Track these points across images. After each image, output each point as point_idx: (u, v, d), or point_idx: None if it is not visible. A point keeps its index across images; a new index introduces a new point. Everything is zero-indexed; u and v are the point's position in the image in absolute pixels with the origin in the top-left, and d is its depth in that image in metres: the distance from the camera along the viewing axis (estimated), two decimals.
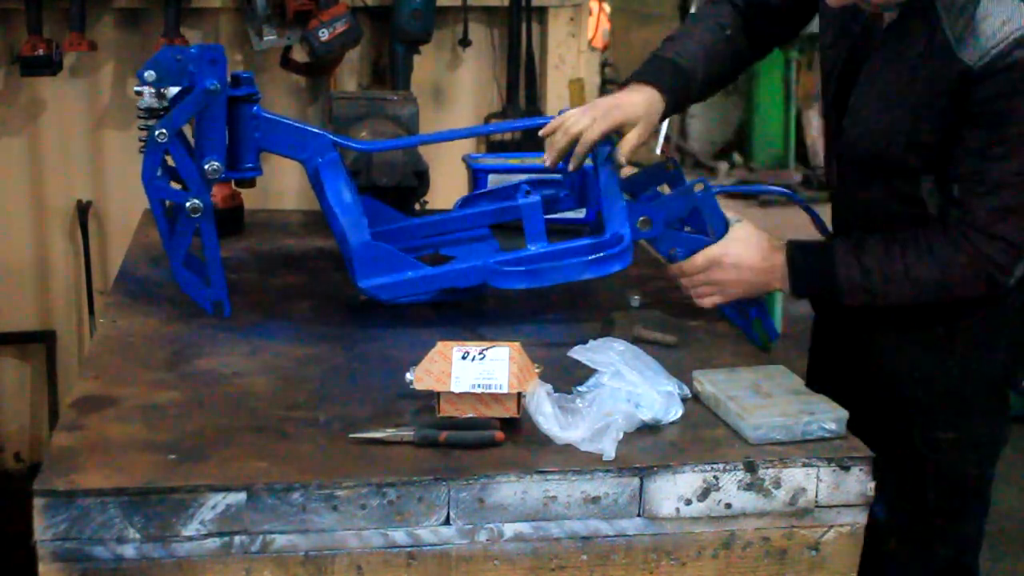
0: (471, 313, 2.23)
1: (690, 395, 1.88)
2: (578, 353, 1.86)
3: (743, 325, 2.27)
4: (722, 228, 2.21)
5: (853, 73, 2.14)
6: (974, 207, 1.99)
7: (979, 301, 2.10)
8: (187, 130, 2.12)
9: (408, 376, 1.77)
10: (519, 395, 1.74)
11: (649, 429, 1.77)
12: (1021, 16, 1.90)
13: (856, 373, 2.03)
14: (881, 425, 1.82)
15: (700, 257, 2.15)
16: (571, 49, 3.92)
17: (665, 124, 7.65)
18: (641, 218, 2.18)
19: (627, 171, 2.36)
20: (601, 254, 2.11)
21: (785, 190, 2.57)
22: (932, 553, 2.22)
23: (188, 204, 2.08)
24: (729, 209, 2.21)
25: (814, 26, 2.35)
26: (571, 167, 2.22)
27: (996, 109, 1.93)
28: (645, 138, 2.23)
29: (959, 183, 2.00)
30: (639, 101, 2.20)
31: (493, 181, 2.73)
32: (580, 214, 2.55)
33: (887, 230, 2.09)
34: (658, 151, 7.32)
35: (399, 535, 1.62)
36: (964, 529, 2.24)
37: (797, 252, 2.13)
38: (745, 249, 2.14)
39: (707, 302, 2.19)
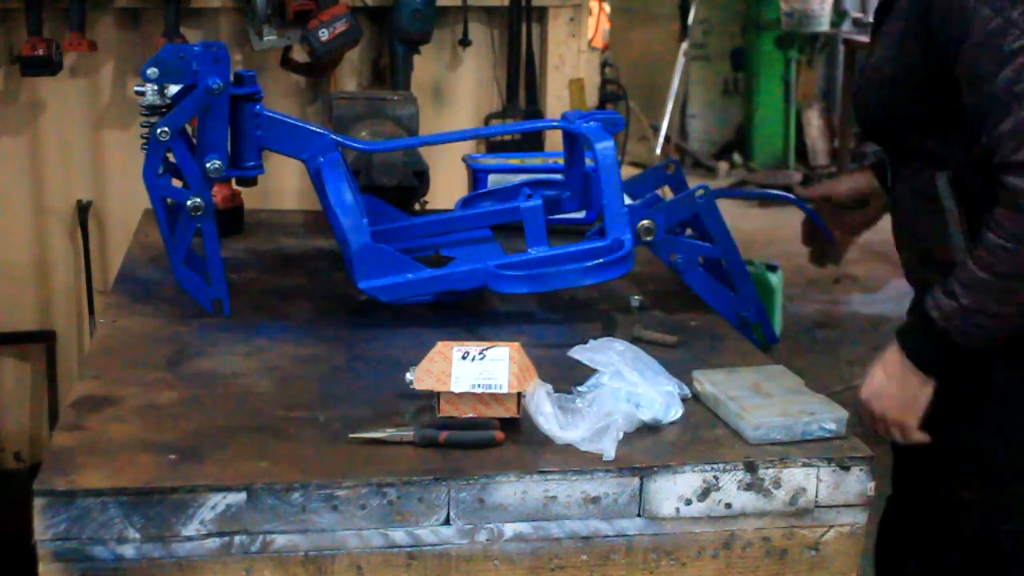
0: (471, 313, 2.23)
1: (690, 395, 1.88)
2: (578, 353, 1.86)
3: (743, 330, 2.27)
4: (722, 232, 2.21)
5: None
6: (996, 140, 1.83)
7: (1011, 358, 2.00)
8: (188, 128, 2.12)
9: (408, 376, 1.77)
10: (519, 395, 1.74)
11: (649, 429, 1.77)
12: None
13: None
14: (913, 477, 1.76)
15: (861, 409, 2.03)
16: (571, 49, 3.92)
17: (665, 124, 7.66)
18: (643, 223, 2.18)
19: (628, 172, 2.36)
20: (601, 260, 2.11)
21: (787, 194, 2.58)
22: None
23: (189, 203, 2.08)
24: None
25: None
26: None
27: (957, 17, 1.85)
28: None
29: (981, 125, 1.86)
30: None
31: (493, 181, 2.73)
32: (581, 213, 2.55)
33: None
34: (658, 151, 7.33)
35: (399, 535, 1.62)
36: None
37: (902, 334, 2.00)
38: (873, 375, 2.02)
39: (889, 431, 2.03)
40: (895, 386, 1.98)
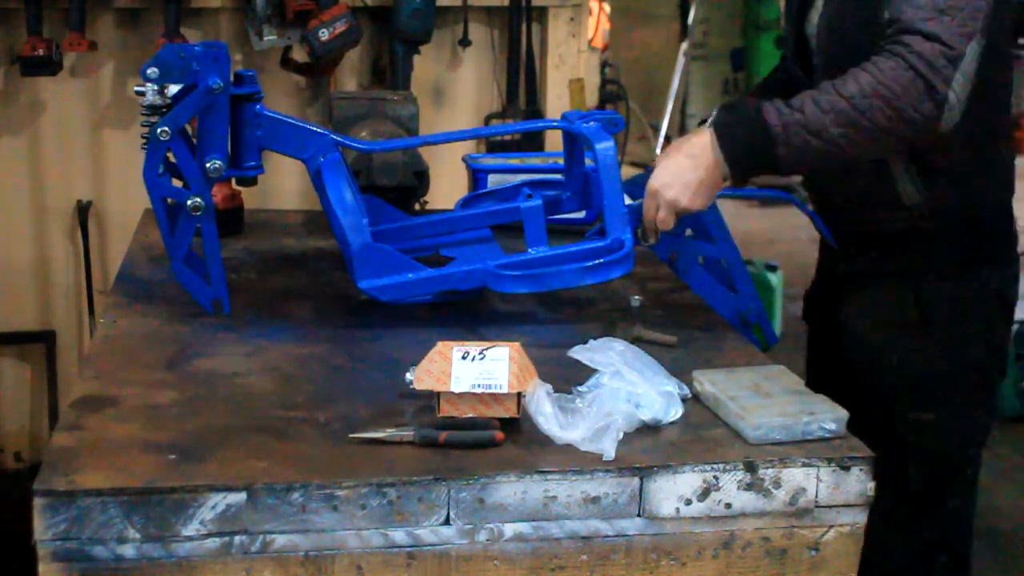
0: (471, 313, 2.23)
1: (690, 395, 1.88)
2: (578, 353, 1.86)
3: (743, 330, 2.27)
4: (722, 232, 2.22)
5: None
6: (905, 10, 1.94)
7: (949, 279, 2.17)
8: (188, 128, 2.12)
9: (408, 376, 1.77)
10: (519, 395, 1.74)
11: (649, 429, 1.77)
12: None
13: (835, 360, 2.08)
14: (862, 410, 1.83)
15: (645, 199, 2.10)
16: (571, 49, 3.92)
17: (665, 124, 7.67)
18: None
19: (628, 172, 2.36)
20: (602, 260, 2.11)
21: (786, 193, 2.58)
22: (917, 536, 2.27)
23: (189, 203, 2.07)
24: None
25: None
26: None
27: None
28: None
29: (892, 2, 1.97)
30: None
31: (493, 181, 2.73)
32: (581, 213, 2.55)
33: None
34: (658, 151, 7.33)
35: (399, 535, 1.62)
36: (948, 512, 2.28)
37: (722, 122, 2.04)
38: (669, 158, 2.08)
39: (670, 221, 2.10)
40: (700, 173, 2.03)
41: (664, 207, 2.07)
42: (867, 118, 1.93)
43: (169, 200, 2.14)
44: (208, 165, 2.07)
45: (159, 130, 2.04)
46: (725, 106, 2.10)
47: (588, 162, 2.32)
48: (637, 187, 2.36)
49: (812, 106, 1.95)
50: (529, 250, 2.18)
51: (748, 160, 2.01)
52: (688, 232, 2.31)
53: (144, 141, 2.09)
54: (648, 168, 2.32)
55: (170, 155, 2.08)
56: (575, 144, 2.35)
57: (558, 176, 2.48)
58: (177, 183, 2.13)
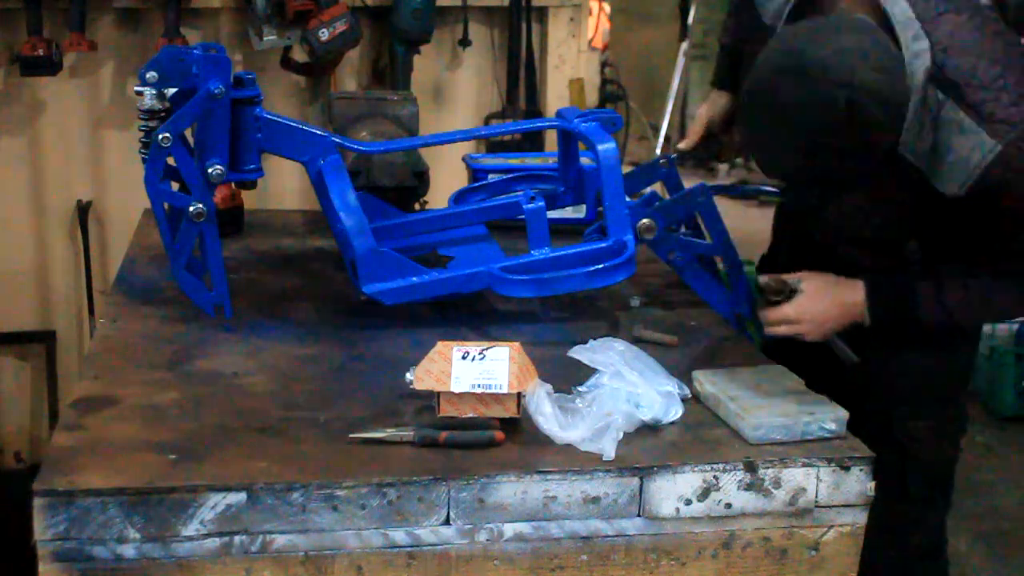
0: (471, 312, 2.23)
1: (690, 395, 1.88)
2: (578, 353, 1.86)
3: (739, 327, 2.27)
4: (718, 229, 2.21)
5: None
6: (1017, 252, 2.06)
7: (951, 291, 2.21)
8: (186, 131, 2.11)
9: (408, 376, 1.77)
10: (519, 395, 1.74)
11: (649, 429, 1.77)
12: (982, 143, 1.95)
13: (827, 369, 2.10)
14: (857, 419, 1.84)
15: (779, 314, 2.15)
16: (571, 49, 3.91)
17: (665, 124, 7.66)
18: (643, 222, 2.18)
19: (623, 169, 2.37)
20: (606, 264, 2.10)
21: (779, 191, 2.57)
22: (907, 540, 2.31)
23: (192, 209, 2.06)
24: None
25: None
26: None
27: (990, 211, 2.01)
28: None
29: (994, 241, 2.06)
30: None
31: None
32: (579, 213, 2.55)
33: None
34: (658, 151, 7.33)
35: (399, 535, 1.63)
36: (935, 514, 2.36)
37: (877, 296, 2.14)
38: (820, 304, 2.14)
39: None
40: (838, 321, 2.15)
41: (789, 326, 2.15)
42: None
43: (165, 205, 2.12)
44: (210, 170, 2.06)
45: (160, 136, 2.02)
46: (878, 287, 2.16)
47: (587, 161, 2.32)
48: (631, 183, 2.36)
49: (964, 313, 2.12)
50: (532, 252, 2.17)
51: (895, 333, 2.19)
52: (683, 229, 2.31)
53: (141, 147, 2.08)
54: (642, 164, 2.36)
55: (170, 160, 2.07)
56: (570, 141, 2.35)
57: (551, 163, 2.48)
58: (175, 186, 2.12)
